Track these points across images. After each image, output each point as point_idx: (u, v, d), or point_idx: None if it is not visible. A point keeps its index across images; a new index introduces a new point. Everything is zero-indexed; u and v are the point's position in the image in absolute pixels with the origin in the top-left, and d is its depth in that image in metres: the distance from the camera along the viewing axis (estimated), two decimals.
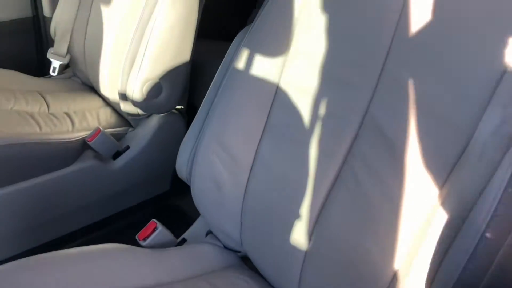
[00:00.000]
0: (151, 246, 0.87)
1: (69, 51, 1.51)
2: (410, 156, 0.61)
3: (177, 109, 1.30)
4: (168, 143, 1.26)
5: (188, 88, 1.31)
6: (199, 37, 1.20)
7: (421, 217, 0.60)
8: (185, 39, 1.15)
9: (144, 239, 0.87)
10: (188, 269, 0.85)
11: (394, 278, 0.62)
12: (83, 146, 1.19)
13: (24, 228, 1.14)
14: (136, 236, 0.87)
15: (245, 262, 0.92)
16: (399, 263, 0.62)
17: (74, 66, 1.54)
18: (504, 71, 0.55)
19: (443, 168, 0.58)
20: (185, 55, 1.16)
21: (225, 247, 0.92)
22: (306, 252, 0.73)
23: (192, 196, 0.89)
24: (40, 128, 1.19)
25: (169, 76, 1.15)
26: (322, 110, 0.73)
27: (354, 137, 0.69)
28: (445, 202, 0.58)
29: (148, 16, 1.15)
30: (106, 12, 1.33)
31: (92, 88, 1.49)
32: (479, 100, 0.56)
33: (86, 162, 1.18)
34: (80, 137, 1.18)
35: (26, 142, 1.08)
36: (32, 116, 1.24)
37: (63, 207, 1.18)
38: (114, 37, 1.26)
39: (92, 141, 1.17)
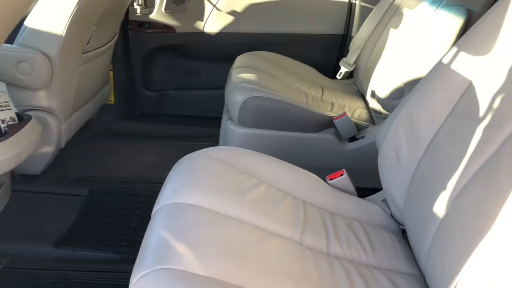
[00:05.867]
0: (334, 186, 1.10)
1: (355, 62, 1.88)
2: None
3: None
4: None
5: None
6: None
7: None
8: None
9: (331, 179, 1.11)
10: (353, 212, 1.04)
11: None
12: (329, 123, 1.51)
13: None
14: (326, 176, 1.12)
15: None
16: None
17: (355, 75, 1.90)
18: None
19: None
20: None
21: (391, 216, 1.06)
22: (441, 220, 0.83)
23: (378, 158, 1.07)
24: (307, 101, 1.58)
25: (412, 83, 1.35)
26: (497, 104, 0.81)
27: None
28: None
29: (415, 36, 1.39)
30: (391, 36, 1.63)
31: (362, 96, 1.81)
32: None
33: (327, 135, 1.50)
34: (330, 115, 1.50)
35: (294, 104, 1.47)
36: (306, 95, 1.65)
37: (298, 162, 1.52)
38: (390, 54, 1.55)
39: (337, 120, 1.48)
